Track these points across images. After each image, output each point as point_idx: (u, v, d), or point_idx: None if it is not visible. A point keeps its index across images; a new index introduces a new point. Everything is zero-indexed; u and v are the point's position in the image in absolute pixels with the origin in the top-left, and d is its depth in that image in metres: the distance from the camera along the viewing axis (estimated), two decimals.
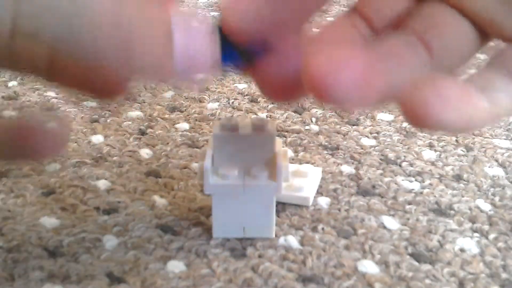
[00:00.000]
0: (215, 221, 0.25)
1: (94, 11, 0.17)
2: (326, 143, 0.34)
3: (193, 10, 0.18)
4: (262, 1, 0.18)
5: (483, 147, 0.33)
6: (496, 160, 0.32)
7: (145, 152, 0.33)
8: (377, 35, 0.20)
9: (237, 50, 0.20)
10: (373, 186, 0.29)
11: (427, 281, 0.23)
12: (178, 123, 0.36)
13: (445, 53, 0.20)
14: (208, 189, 0.24)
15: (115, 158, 0.32)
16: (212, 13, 0.58)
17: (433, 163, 0.32)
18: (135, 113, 0.37)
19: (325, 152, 0.33)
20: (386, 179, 0.30)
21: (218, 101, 0.39)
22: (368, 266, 0.24)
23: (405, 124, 0.36)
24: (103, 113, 0.37)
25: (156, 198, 0.28)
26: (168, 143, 0.34)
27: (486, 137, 0.34)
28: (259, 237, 0.25)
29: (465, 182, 0.30)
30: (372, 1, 0.21)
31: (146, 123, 0.36)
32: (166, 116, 0.37)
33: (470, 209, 0.28)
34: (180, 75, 0.18)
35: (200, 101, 0.39)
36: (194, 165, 0.31)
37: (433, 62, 0.20)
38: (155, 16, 0.18)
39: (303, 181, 0.28)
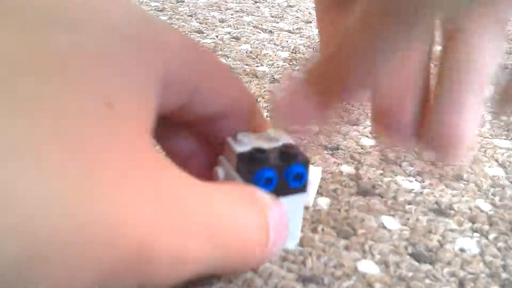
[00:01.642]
0: None
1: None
2: (326, 143, 0.34)
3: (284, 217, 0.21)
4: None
5: (483, 147, 0.33)
6: (496, 160, 0.32)
7: None
8: None
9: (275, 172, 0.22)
10: (373, 186, 0.29)
11: (427, 281, 0.23)
12: None
13: None
14: None
15: None
16: (212, 13, 0.58)
17: (433, 163, 0.32)
18: None
19: (325, 152, 0.33)
20: (386, 179, 0.30)
21: None
22: (368, 266, 0.24)
23: None
24: None
25: None
26: None
27: (486, 137, 0.34)
28: (284, 248, 0.25)
29: (465, 182, 0.30)
30: None
31: None
32: None
33: (470, 209, 0.28)
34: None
35: None
36: None
37: None
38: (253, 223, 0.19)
39: None
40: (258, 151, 0.22)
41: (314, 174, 0.29)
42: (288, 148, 0.23)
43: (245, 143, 0.23)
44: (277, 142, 0.24)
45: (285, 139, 0.24)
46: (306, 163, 0.23)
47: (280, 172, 0.22)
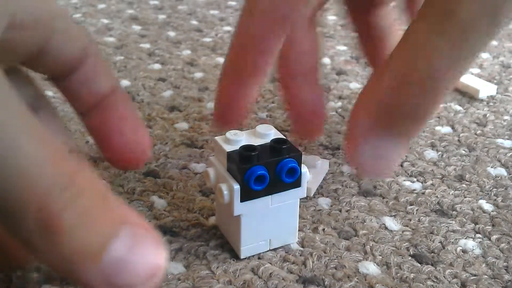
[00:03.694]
0: (243, 242, 0.23)
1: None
2: (326, 143, 0.33)
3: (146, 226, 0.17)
4: None
5: (486, 147, 0.33)
6: (499, 160, 0.32)
7: None
8: None
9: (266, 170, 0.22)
10: (374, 187, 0.29)
11: (429, 282, 0.23)
12: (177, 122, 0.36)
13: None
14: (238, 210, 0.22)
15: None
16: (212, 12, 0.58)
17: (435, 163, 0.31)
18: None
19: (326, 152, 0.32)
20: (388, 180, 0.30)
21: None
22: (369, 268, 0.24)
23: None
24: None
25: (155, 198, 0.28)
26: (167, 143, 0.33)
27: (488, 137, 0.34)
28: (283, 246, 0.25)
29: (467, 182, 0.30)
30: None
31: (145, 123, 0.36)
32: (165, 115, 0.37)
33: (472, 209, 0.27)
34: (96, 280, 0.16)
35: (199, 101, 0.39)
36: (193, 166, 0.31)
37: None
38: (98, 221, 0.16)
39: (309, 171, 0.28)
40: (248, 148, 0.22)
41: (321, 166, 0.29)
42: (278, 143, 0.23)
43: (234, 142, 0.23)
44: (266, 138, 0.23)
45: (275, 134, 0.24)
46: (297, 157, 0.23)
47: (272, 169, 0.22)
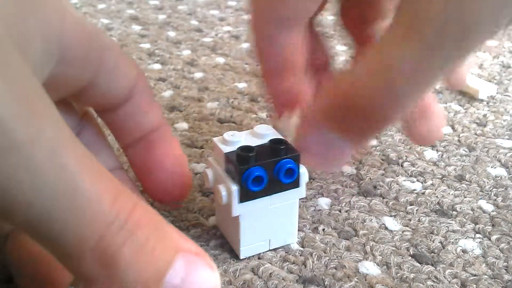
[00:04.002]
0: (243, 242, 0.23)
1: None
2: None
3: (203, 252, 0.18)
4: None
5: (486, 147, 0.33)
6: (499, 160, 0.32)
7: None
8: None
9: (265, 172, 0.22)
10: (375, 187, 0.29)
11: (429, 282, 0.23)
12: (177, 122, 0.36)
13: None
14: (237, 210, 0.22)
15: None
16: (212, 12, 0.58)
17: (435, 163, 0.31)
18: None
19: None
20: (388, 180, 0.30)
21: (218, 101, 0.39)
22: (369, 268, 0.24)
23: None
24: None
25: None
26: None
27: (488, 137, 0.34)
28: (283, 246, 0.25)
29: (467, 182, 0.30)
30: None
31: None
32: (165, 115, 0.37)
33: (472, 209, 0.27)
34: None
35: (199, 101, 0.39)
36: (193, 166, 0.31)
37: None
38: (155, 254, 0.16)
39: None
40: (246, 149, 0.22)
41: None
42: (276, 144, 0.23)
43: (232, 143, 0.23)
44: (264, 139, 0.23)
45: (273, 134, 0.24)
46: (296, 157, 0.23)
47: (270, 169, 0.22)
